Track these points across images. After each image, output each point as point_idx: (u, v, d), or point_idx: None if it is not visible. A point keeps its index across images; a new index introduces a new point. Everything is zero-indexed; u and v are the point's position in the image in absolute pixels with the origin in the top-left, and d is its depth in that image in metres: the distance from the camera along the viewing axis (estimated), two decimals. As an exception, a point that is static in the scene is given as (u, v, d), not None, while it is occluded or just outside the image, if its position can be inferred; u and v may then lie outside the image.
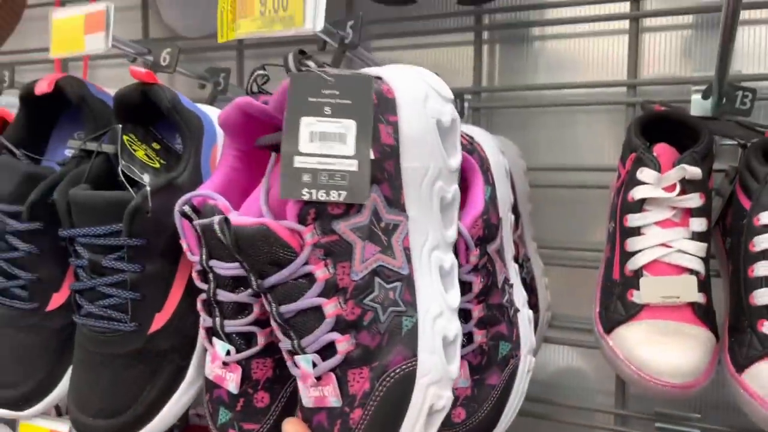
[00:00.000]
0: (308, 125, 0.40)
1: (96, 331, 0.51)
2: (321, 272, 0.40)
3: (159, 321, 0.51)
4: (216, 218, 0.40)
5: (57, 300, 0.56)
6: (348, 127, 0.40)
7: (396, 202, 0.43)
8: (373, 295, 0.41)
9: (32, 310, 0.55)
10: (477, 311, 0.51)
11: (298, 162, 0.39)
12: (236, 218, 0.41)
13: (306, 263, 0.40)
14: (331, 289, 0.40)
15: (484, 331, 0.52)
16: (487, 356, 0.52)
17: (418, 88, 0.45)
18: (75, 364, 0.54)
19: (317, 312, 0.40)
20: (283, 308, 0.41)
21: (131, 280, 0.50)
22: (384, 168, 0.42)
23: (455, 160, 0.46)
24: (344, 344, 0.40)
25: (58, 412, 0.66)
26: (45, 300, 0.55)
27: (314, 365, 0.41)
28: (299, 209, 0.40)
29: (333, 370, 0.40)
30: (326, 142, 0.40)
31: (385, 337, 0.41)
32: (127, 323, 0.50)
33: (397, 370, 0.40)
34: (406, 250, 0.42)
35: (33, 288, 0.55)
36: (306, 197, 0.39)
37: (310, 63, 0.43)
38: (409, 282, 0.42)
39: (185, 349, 0.53)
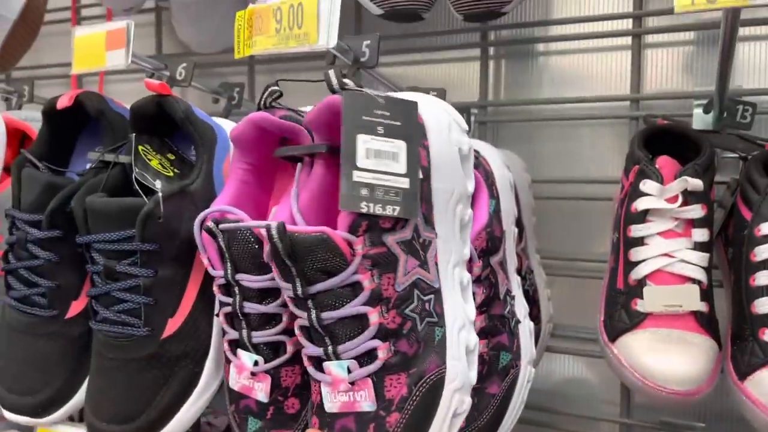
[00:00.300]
0: (364, 142, 0.42)
1: (110, 336, 0.52)
2: (368, 282, 0.42)
3: (172, 326, 0.53)
4: (273, 224, 0.41)
5: (76, 307, 0.57)
6: (399, 147, 0.43)
7: (429, 221, 0.45)
8: (412, 306, 0.43)
9: (52, 317, 0.56)
10: (479, 321, 0.53)
11: (357, 176, 0.41)
12: (292, 226, 0.42)
13: (355, 272, 0.42)
14: (375, 299, 0.42)
15: (485, 341, 0.53)
16: (488, 366, 0.53)
17: (443, 117, 0.48)
18: (91, 370, 0.55)
19: (361, 320, 0.42)
20: (325, 315, 0.42)
21: (144, 285, 0.51)
22: (423, 188, 0.45)
23: (471, 185, 0.49)
24: (384, 351, 0.42)
25: (71, 418, 0.67)
26: (64, 307, 0.57)
27: (349, 371, 0.42)
28: (352, 220, 0.42)
29: (369, 375, 0.42)
30: (381, 160, 0.42)
31: (421, 345, 0.43)
32: (140, 328, 0.52)
33: (432, 376, 0.43)
34: (436, 266, 0.45)
35: (52, 295, 0.56)
36: (364, 210, 0.41)
37: (348, 81, 0.45)
38: (438, 295, 0.45)
39: (198, 355, 0.54)
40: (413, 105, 0.45)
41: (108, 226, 0.51)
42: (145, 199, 0.51)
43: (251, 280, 0.46)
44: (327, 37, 0.47)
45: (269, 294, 0.47)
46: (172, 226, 0.51)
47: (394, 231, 0.43)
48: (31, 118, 0.69)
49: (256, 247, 0.46)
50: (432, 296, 0.44)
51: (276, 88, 0.49)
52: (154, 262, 0.52)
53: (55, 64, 1.01)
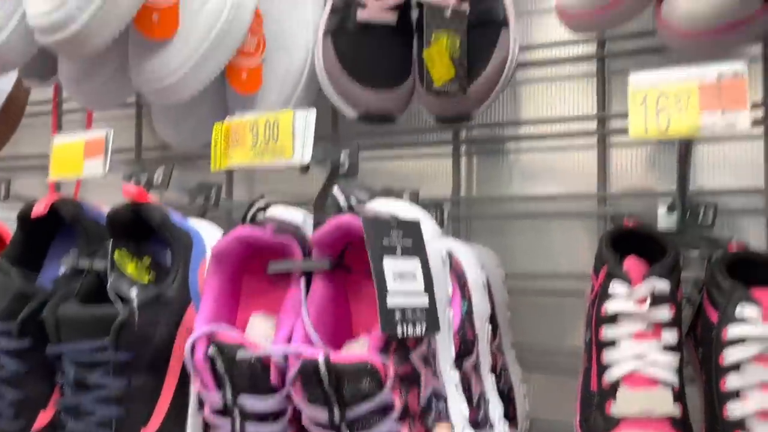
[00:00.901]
0: (390, 266, 0.43)
1: (79, 451, 0.51)
2: (398, 400, 0.42)
3: (144, 438, 0.52)
4: (320, 357, 0.41)
5: (43, 419, 0.56)
6: (415, 265, 0.45)
7: None
8: (433, 415, 0.45)
9: (18, 430, 0.55)
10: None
11: (390, 302, 0.42)
12: (336, 355, 0.42)
13: (389, 393, 0.42)
14: (404, 415, 0.43)
15: None
16: None
17: (429, 228, 0.50)
18: (57, 487, 0.53)
19: None
20: None
21: (116, 395, 0.51)
22: None
23: (450, 288, 0.52)
24: None
25: None
26: (31, 418, 0.56)
27: None
28: (384, 341, 0.42)
29: None
30: (404, 281, 0.44)
31: None
32: (111, 441, 0.51)
33: None
34: (440, 372, 0.47)
35: (20, 406, 0.56)
36: (400, 334, 0.42)
37: (352, 198, 0.46)
38: (446, 400, 0.47)
39: (170, 467, 0.53)
40: (417, 224, 0.47)
41: (81, 335, 0.51)
42: (120, 306, 0.51)
43: (258, 403, 0.45)
44: (302, 152, 0.49)
45: (271, 414, 0.46)
46: (147, 334, 0.51)
47: (416, 348, 0.45)
48: (6, 219, 0.69)
49: (260, 370, 0.45)
50: (443, 402, 0.46)
51: (261, 203, 0.50)
52: (128, 370, 0.51)
53: (36, 155, 1.02)
